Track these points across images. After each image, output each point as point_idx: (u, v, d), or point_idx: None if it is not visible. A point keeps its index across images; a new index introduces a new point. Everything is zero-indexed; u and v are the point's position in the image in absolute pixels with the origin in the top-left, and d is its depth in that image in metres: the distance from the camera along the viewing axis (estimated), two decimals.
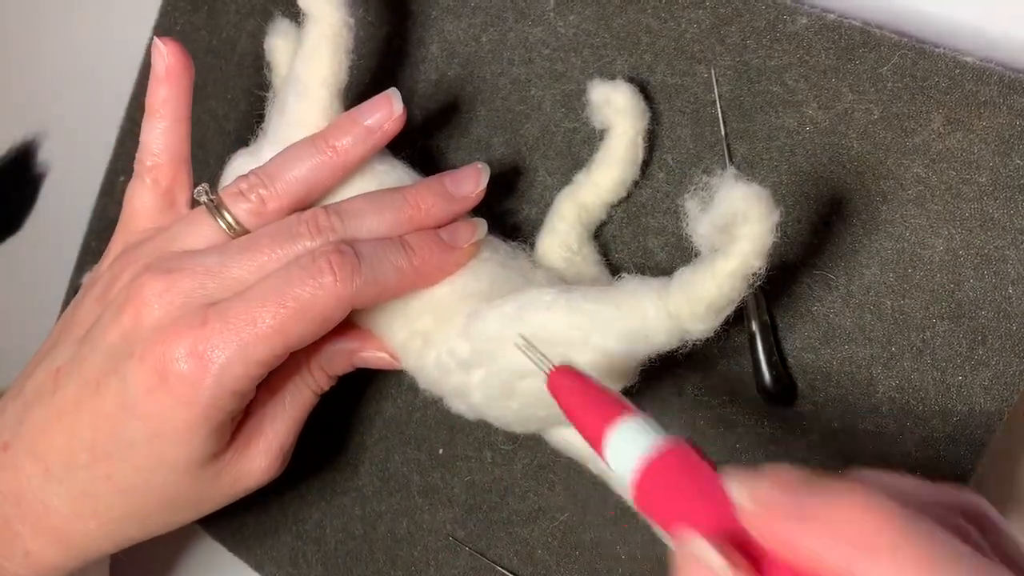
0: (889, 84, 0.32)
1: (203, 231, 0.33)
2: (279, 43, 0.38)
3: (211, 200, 0.33)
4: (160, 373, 0.30)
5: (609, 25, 0.36)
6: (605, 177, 0.35)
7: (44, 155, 0.56)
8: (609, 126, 0.34)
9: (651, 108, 0.35)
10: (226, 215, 0.33)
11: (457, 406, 0.34)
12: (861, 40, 0.32)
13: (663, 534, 0.23)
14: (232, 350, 0.30)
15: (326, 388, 0.36)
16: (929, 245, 0.31)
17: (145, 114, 0.35)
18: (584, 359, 0.30)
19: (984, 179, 0.31)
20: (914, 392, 0.31)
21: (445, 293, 0.33)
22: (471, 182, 0.34)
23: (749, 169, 0.34)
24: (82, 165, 0.52)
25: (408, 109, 0.35)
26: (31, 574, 0.34)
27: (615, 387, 0.31)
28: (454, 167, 0.35)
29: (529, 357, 0.27)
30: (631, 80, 0.35)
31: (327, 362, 0.35)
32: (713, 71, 0.34)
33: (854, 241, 0.32)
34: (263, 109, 0.38)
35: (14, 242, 0.56)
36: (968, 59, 0.31)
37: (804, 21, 0.33)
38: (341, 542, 0.41)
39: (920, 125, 0.31)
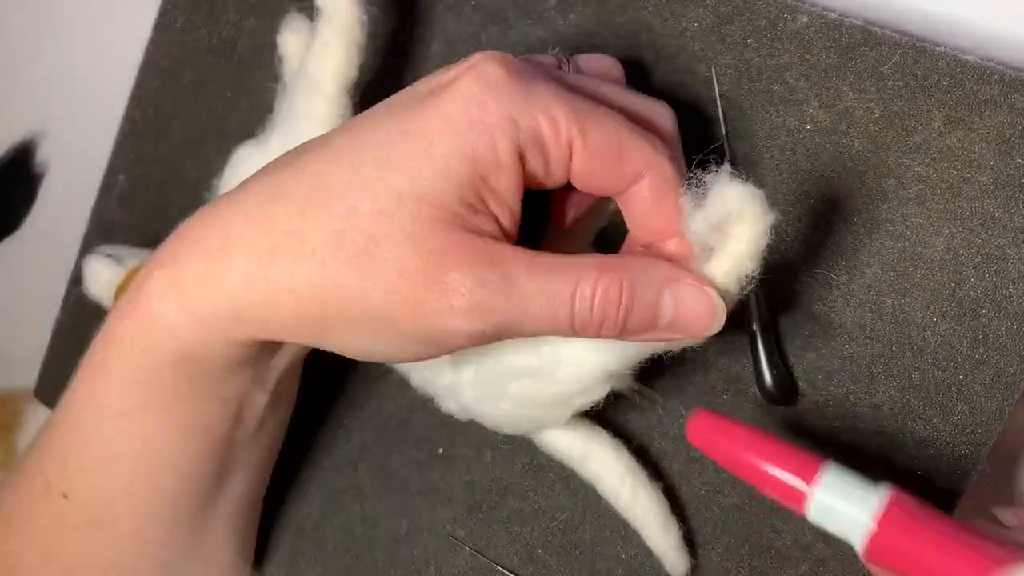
0: (890, 83, 0.32)
1: None
2: (292, 37, 0.38)
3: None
4: (463, 68, 0.27)
5: (610, 23, 0.36)
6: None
7: (43, 154, 0.56)
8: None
9: None
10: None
11: (448, 405, 0.34)
12: (862, 39, 0.32)
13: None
14: (546, 82, 0.27)
15: (591, 330, 0.27)
16: (930, 244, 0.31)
17: None
18: (584, 372, 0.30)
19: (985, 178, 0.30)
20: (915, 391, 0.31)
21: None
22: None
23: (750, 168, 0.34)
24: (81, 164, 0.51)
25: None
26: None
27: (604, 389, 0.31)
28: None
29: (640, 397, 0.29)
30: (631, 78, 0.35)
31: (631, 294, 0.27)
32: (714, 70, 0.34)
33: (855, 240, 0.32)
34: (263, 107, 0.38)
35: (13, 241, 0.56)
36: (969, 58, 0.31)
37: (805, 20, 0.33)
38: (341, 541, 0.41)
39: (921, 124, 0.31)
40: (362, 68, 0.35)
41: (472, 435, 0.38)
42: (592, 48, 0.37)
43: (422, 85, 0.29)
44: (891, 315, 0.32)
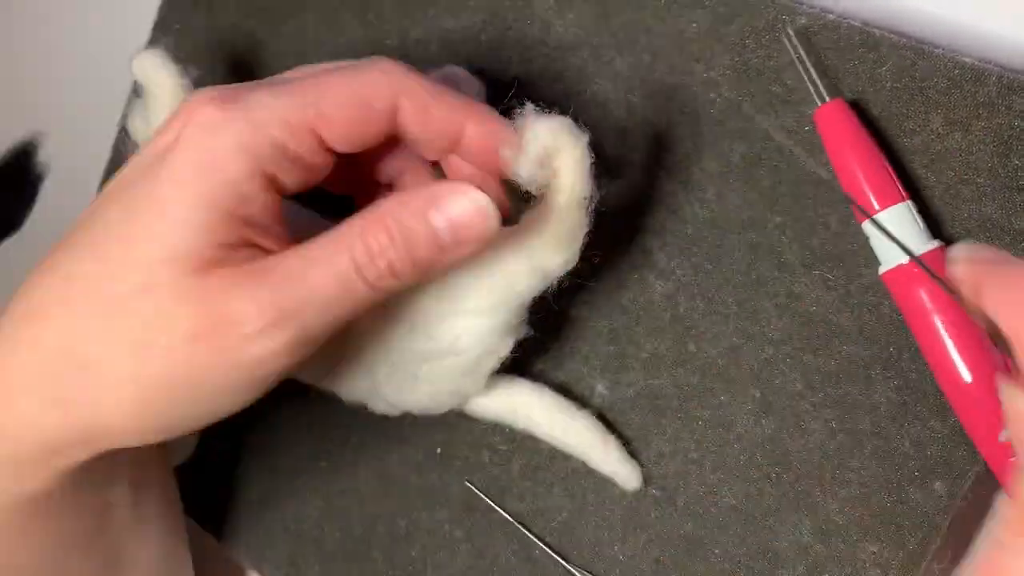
0: (888, 84, 0.32)
1: None
2: (136, 119, 0.40)
3: None
4: (179, 122, 0.27)
5: (608, 24, 0.36)
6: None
7: (44, 155, 0.56)
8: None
9: (651, 107, 0.35)
10: None
11: (377, 406, 0.35)
12: (860, 40, 0.32)
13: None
14: (256, 94, 0.27)
15: (385, 277, 0.27)
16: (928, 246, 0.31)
17: None
18: (464, 325, 0.31)
19: (983, 180, 0.30)
20: (912, 392, 0.31)
21: None
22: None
23: (748, 168, 0.34)
24: (82, 165, 0.52)
25: None
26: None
27: (508, 344, 0.33)
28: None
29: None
30: (629, 79, 0.35)
31: (400, 230, 0.27)
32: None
33: (853, 241, 0.32)
34: None
35: (14, 241, 0.57)
36: (967, 60, 0.31)
37: (803, 21, 0.33)
38: (339, 542, 0.41)
39: (919, 126, 0.31)
40: None
41: (470, 436, 0.38)
42: (590, 49, 0.37)
43: (146, 154, 0.28)
44: (889, 316, 0.32)
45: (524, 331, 0.33)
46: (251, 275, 0.26)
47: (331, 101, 0.27)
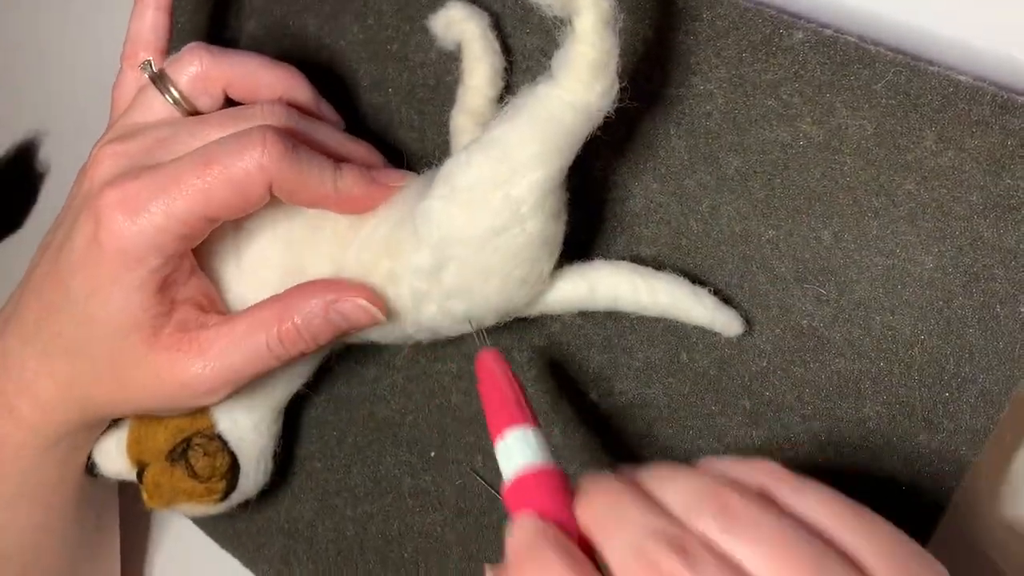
0: (883, 101, 0.32)
1: (154, 106, 0.35)
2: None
3: (155, 72, 0.35)
4: (95, 224, 0.32)
5: None
6: (478, 77, 0.37)
7: (44, 153, 0.57)
8: (460, 39, 0.37)
9: (647, 117, 0.36)
10: (171, 88, 0.35)
11: (455, 327, 0.34)
12: (856, 56, 0.32)
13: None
14: (155, 202, 0.31)
15: (292, 354, 0.34)
16: (919, 262, 0.31)
17: (135, 5, 0.38)
18: (523, 185, 0.31)
19: (975, 198, 0.31)
20: (901, 407, 0.32)
21: (383, 229, 0.34)
22: (397, 176, 0.36)
23: (743, 182, 0.34)
24: (82, 163, 0.52)
25: (406, 112, 0.35)
26: (14, 429, 0.35)
27: (564, 217, 0.33)
28: None
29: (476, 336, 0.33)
30: (624, 88, 0.36)
31: (304, 323, 0.33)
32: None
33: (845, 256, 0.32)
34: None
35: (15, 240, 0.57)
36: (962, 78, 0.31)
37: (800, 36, 0.33)
38: (332, 542, 0.41)
39: (913, 142, 0.31)
40: (356, 75, 0.35)
41: (464, 439, 0.39)
42: None
43: (76, 245, 0.33)
44: (879, 332, 0.32)
45: (563, 222, 0.33)
46: (195, 348, 0.33)
47: (217, 203, 0.32)
